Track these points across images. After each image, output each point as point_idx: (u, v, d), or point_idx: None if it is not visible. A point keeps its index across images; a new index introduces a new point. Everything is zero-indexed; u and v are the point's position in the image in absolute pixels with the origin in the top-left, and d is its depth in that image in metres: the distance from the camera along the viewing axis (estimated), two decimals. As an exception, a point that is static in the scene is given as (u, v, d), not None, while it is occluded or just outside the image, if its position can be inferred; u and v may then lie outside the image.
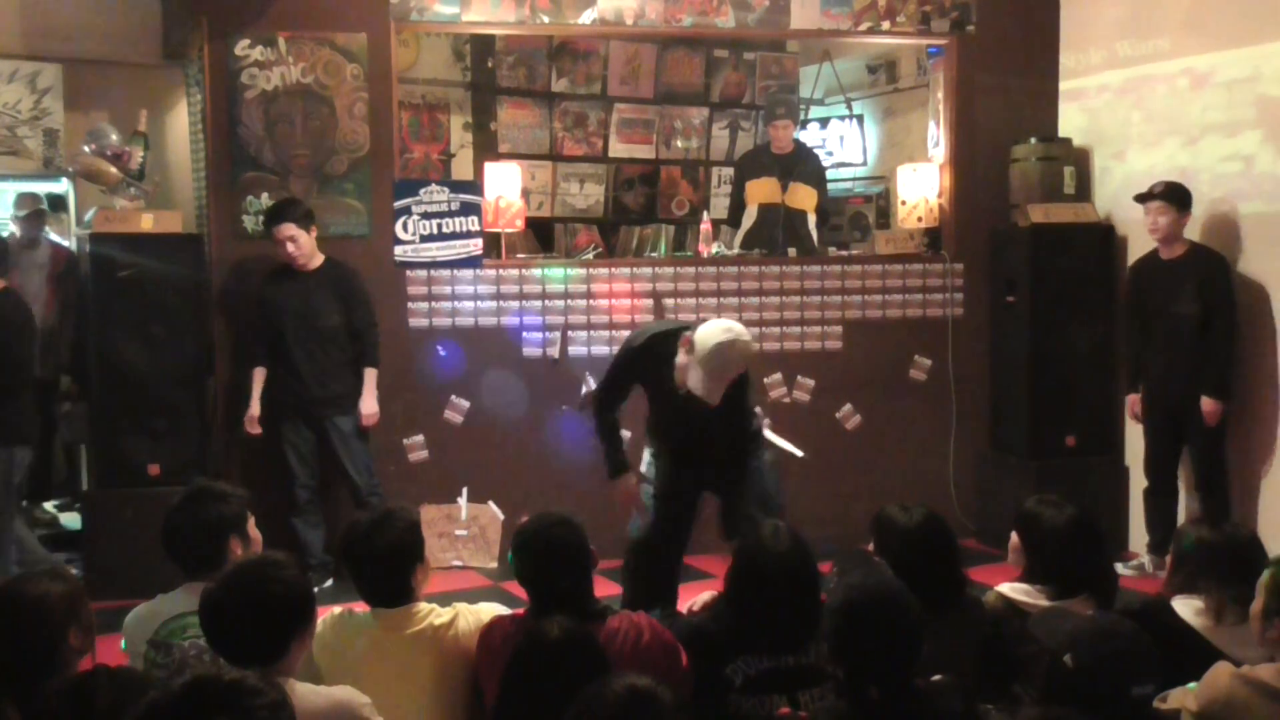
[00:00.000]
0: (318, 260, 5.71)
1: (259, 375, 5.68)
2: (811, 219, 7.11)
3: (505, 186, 6.22)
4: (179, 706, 1.86)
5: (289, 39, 5.95)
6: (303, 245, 5.62)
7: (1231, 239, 5.76)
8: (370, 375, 5.75)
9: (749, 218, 7.16)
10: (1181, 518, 5.67)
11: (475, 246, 6.15)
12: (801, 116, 8.72)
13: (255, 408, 5.65)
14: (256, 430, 5.65)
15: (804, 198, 7.05)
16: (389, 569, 3.08)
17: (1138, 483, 6.36)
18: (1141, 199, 5.71)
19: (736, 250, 6.90)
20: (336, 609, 3.17)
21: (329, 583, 5.59)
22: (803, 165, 7.11)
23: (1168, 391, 5.71)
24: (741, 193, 7.22)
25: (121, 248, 5.63)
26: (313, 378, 5.67)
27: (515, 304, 6.18)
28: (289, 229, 5.59)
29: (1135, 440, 6.38)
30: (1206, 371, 5.56)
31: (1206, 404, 5.52)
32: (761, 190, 7.07)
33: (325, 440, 5.72)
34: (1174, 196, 5.61)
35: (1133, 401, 5.91)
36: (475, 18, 6.18)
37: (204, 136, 6.03)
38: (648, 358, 4.43)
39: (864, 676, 2.52)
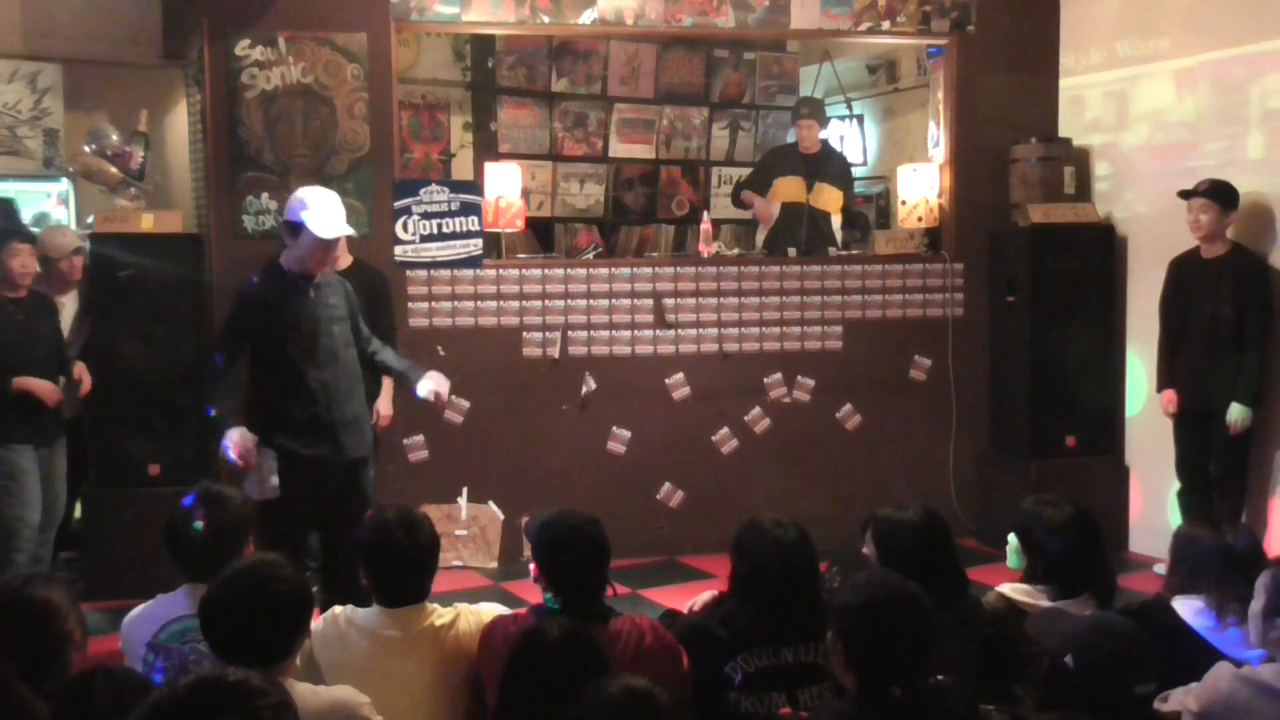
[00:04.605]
0: (348, 260, 5.65)
1: None
2: (836, 220, 7.11)
3: (505, 186, 6.22)
4: (183, 706, 1.85)
5: (289, 39, 5.95)
6: (342, 240, 5.58)
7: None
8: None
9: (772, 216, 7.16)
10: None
11: (475, 246, 6.14)
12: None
13: None
14: None
15: (829, 199, 7.05)
16: (420, 570, 3.12)
17: (1138, 483, 6.37)
18: (1185, 195, 5.58)
19: (760, 249, 6.91)
20: (337, 608, 3.17)
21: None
22: (828, 166, 7.11)
23: (1200, 392, 5.61)
24: (764, 179, 7.21)
25: (121, 248, 5.63)
26: None
27: (515, 304, 6.19)
28: None
29: (1135, 440, 6.39)
30: (1238, 376, 5.45)
31: (1232, 411, 5.42)
32: (786, 189, 7.07)
33: None
34: (1218, 194, 5.49)
35: (1166, 399, 5.75)
36: (475, 18, 6.18)
37: (204, 136, 6.03)
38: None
39: (881, 676, 2.52)
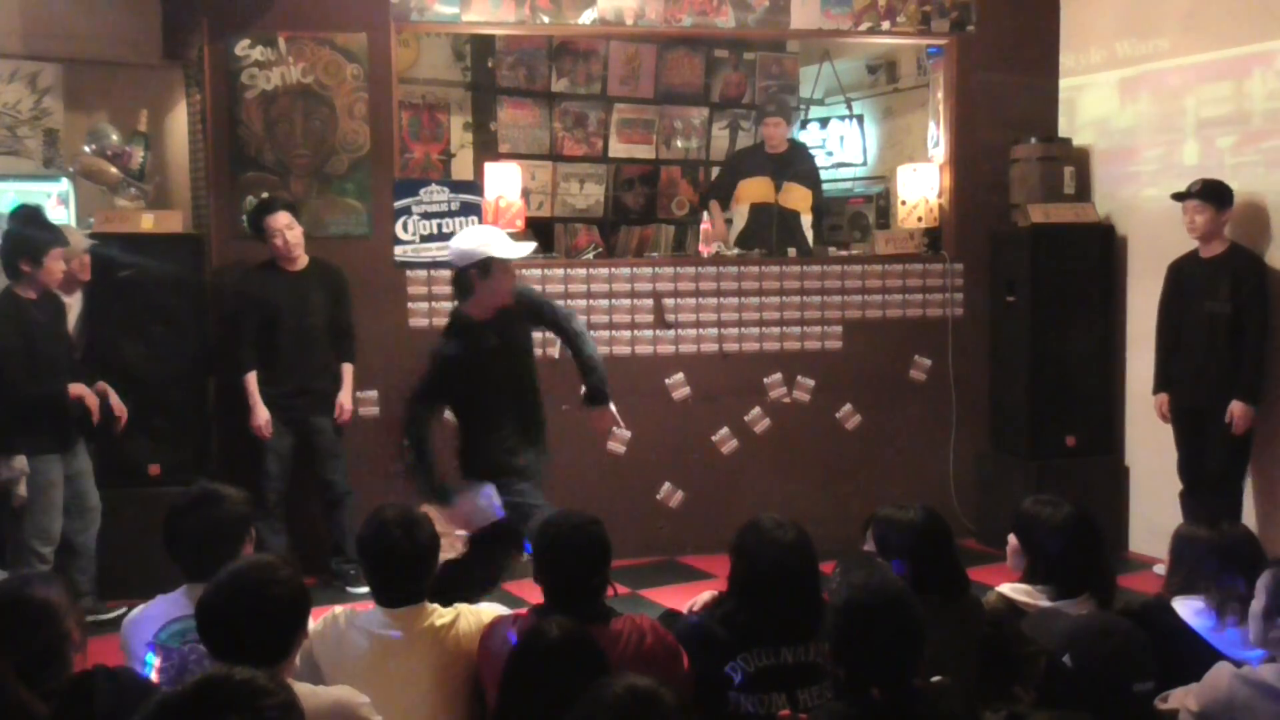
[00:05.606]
0: (304, 260, 5.73)
1: (254, 380, 5.64)
2: (806, 219, 7.11)
3: (505, 186, 6.22)
4: (189, 705, 1.85)
5: (289, 39, 5.95)
6: (298, 235, 5.66)
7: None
8: (349, 371, 5.80)
9: (740, 217, 7.18)
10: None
11: (475, 246, 6.14)
12: (800, 117, 8.75)
13: (263, 411, 5.61)
14: (269, 434, 5.63)
15: (798, 198, 7.06)
16: (421, 569, 3.13)
17: (1138, 483, 6.37)
18: (1179, 197, 5.59)
19: (733, 250, 6.90)
20: (337, 609, 3.17)
21: None
22: (797, 165, 7.11)
23: (1196, 390, 5.61)
24: (729, 184, 7.24)
25: (121, 248, 5.63)
26: (300, 376, 5.68)
27: (515, 304, 6.18)
28: (285, 217, 5.62)
29: (1135, 440, 6.39)
30: (1237, 373, 5.46)
31: (1235, 407, 5.42)
32: (754, 190, 7.07)
33: (305, 442, 5.72)
34: (1212, 194, 5.50)
35: (1160, 402, 5.78)
36: (475, 18, 6.18)
37: (204, 136, 6.03)
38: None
39: (865, 676, 2.52)
